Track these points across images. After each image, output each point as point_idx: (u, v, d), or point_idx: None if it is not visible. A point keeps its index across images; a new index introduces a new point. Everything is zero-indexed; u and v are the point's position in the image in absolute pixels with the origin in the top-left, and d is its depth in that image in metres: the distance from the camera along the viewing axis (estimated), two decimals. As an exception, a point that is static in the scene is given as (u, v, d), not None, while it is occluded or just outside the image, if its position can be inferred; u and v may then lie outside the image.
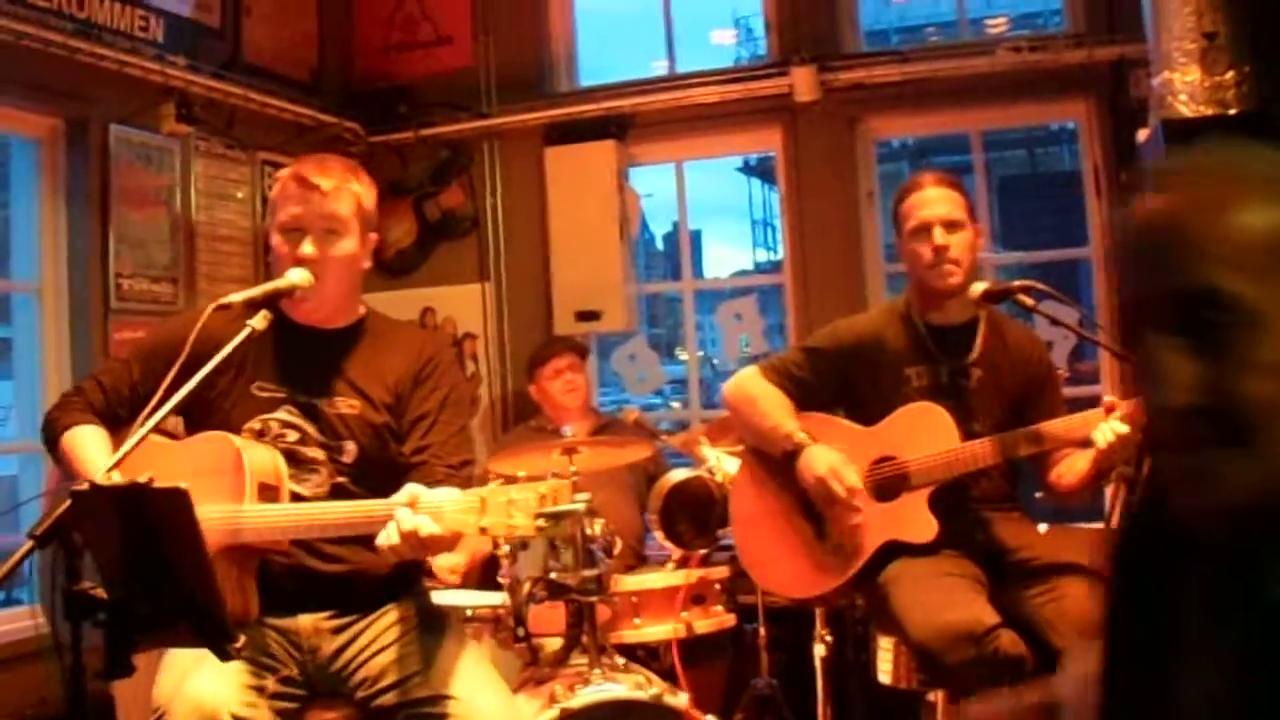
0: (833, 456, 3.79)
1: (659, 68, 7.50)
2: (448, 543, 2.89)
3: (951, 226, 3.84)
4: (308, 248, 3.23)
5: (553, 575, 4.12)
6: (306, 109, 6.94)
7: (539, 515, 2.75)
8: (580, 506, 2.87)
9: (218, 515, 2.87)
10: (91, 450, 3.19)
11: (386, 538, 2.83)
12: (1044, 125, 18.06)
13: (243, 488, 2.98)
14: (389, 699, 3.16)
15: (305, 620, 3.25)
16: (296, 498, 3.16)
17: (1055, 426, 3.69)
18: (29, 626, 5.08)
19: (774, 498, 4.01)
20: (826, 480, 3.74)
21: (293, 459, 3.21)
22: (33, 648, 4.89)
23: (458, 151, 7.33)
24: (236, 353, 2.94)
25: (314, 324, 3.38)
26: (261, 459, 3.08)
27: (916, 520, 3.76)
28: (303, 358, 3.35)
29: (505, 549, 4.07)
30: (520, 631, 4.20)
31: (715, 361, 11.61)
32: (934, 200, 3.88)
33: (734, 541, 4.19)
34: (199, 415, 3.20)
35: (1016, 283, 3.73)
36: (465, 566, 3.74)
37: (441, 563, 4.97)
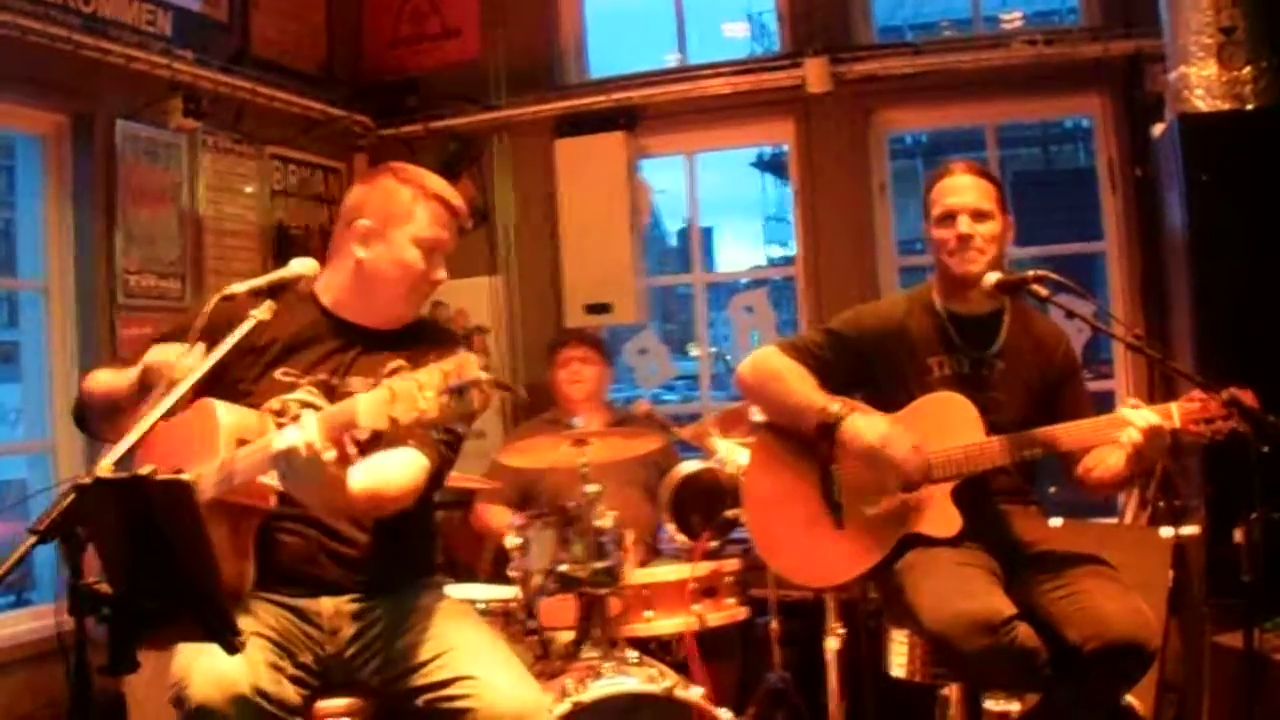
0: (881, 421, 3.74)
1: (670, 61, 7.49)
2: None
3: (979, 216, 3.80)
4: (442, 273, 3.40)
5: (563, 568, 4.11)
6: (315, 102, 6.93)
7: (443, 392, 2.65)
8: (483, 376, 2.77)
9: (206, 471, 2.84)
10: (107, 375, 3.22)
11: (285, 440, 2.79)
12: (1059, 123, 18.04)
13: (219, 448, 2.94)
14: (408, 683, 3.15)
15: (327, 603, 3.25)
16: None
17: (1069, 431, 3.64)
18: (43, 626, 5.06)
19: (789, 483, 3.95)
20: (880, 448, 3.68)
21: None
22: (48, 647, 4.88)
23: (467, 144, 7.31)
24: (259, 339, 2.94)
25: (360, 322, 3.41)
26: (239, 415, 3.03)
27: (940, 514, 3.72)
28: (331, 345, 3.37)
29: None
30: (531, 624, 4.19)
31: (729, 357, 11.60)
32: (963, 188, 3.85)
33: (748, 527, 4.15)
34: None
35: (1030, 272, 3.68)
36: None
37: None
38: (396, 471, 3.17)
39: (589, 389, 5.90)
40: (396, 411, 2.67)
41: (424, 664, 3.15)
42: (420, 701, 3.12)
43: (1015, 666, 3.36)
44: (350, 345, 3.37)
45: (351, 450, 2.92)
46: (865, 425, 3.73)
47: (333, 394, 3.26)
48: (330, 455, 2.81)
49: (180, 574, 2.37)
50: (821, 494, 3.90)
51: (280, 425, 3.10)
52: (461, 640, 3.20)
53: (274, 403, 3.23)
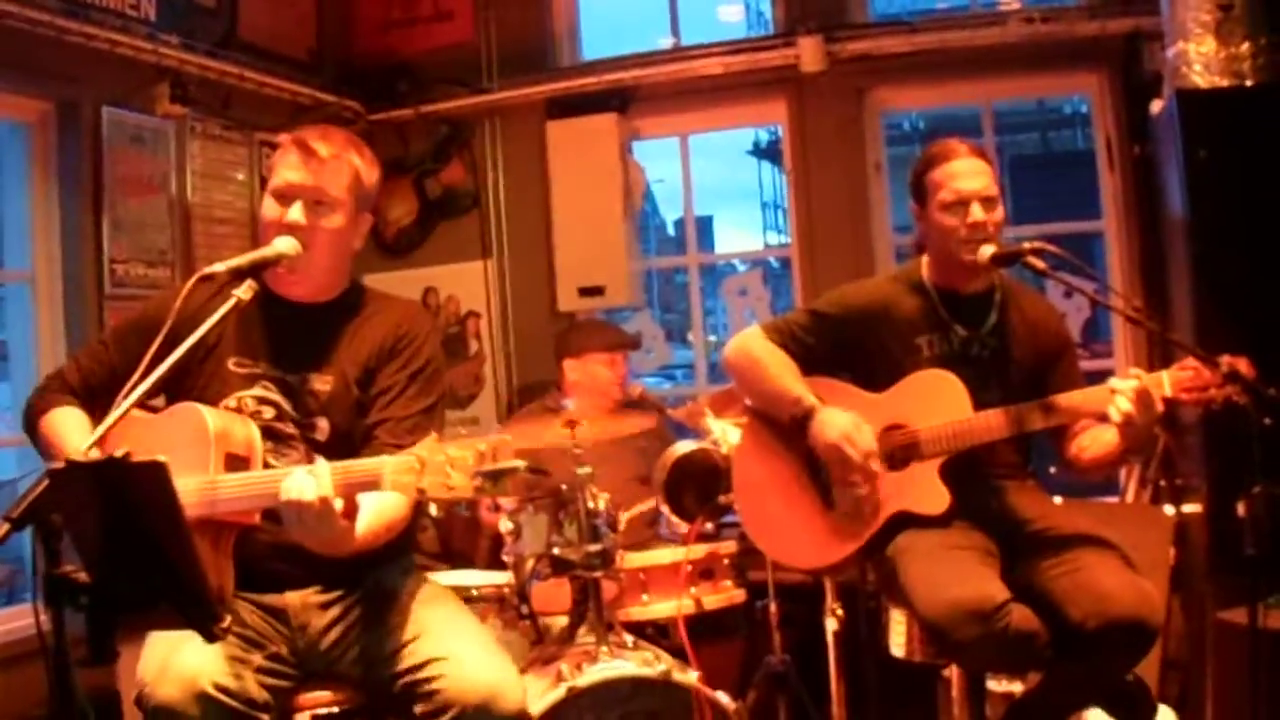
0: (846, 419, 3.67)
1: (664, 43, 7.44)
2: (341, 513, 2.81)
3: (989, 203, 3.72)
4: (294, 213, 3.18)
5: (556, 551, 4.06)
6: (305, 88, 6.88)
7: (477, 474, 2.61)
8: (520, 464, 2.71)
9: (193, 486, 2.79)
10: (70, 432, 3.18)
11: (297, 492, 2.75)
12: (1058, 107, 18.03)
13: (209, 459, 2.90)
14: (385, 671, 3.12)
15: (292, 597, 3.21)
16: None
17: (1071, 399, 3.59)
18: (32, 625, 5.01)
19: (779, 465, 3.90)
20: (840, 445, 3.63)
21: (270, 435, 3.16)
22: (37, 646, 4.84)
23: (458, 128, 7.31)
24: (214, 328, 2.87)
25: (296, 298, 3.33)
26: (230, 429, 3.01)
27: (928, 491, 3.66)
28: (281, 332, 3.30)
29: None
30: (524, 609, 4.15)
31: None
32: (971, 173, 3.75)
33: (738, 511, 4.11)
34: (177, 393, 3.16)
35: (1026, 245, 3.62)
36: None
37: None
38: (393, 509, 3.11)
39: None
40: (425, 484, 2.63)
41: (397, 650, 3.11)
42: (396, 687, 3.09)
43: (1011, 652, 3.32)
44: (286, 321, 3.31)
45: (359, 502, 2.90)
46: (831, 420, 3.68)
47: (291, 391, 3.24)
48: (339, 507, 2.79)
49: (158, 560, 2.33)
50: (810, 475, 3.84)
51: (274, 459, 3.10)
52: (432, 622, 3.17)
53: (230, 400, 3.20)
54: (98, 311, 5.57)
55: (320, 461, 2.82)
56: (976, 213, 3.69)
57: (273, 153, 6.40)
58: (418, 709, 3.04)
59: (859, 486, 3.70)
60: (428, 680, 3.02)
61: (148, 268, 5.84)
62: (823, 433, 3.68)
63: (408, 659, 3.08)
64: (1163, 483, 5.51)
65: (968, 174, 3.74)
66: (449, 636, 3.12)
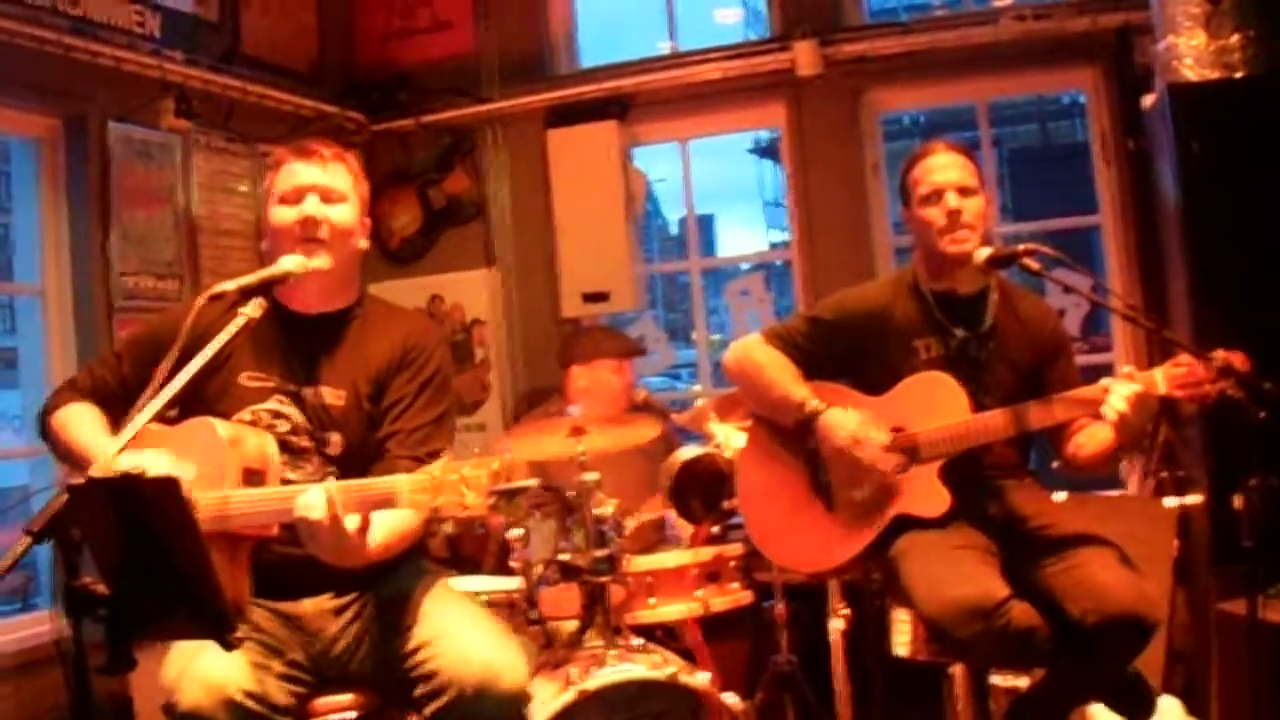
0: (853, 420, 3.73)
1: (662, 49, 7.47)
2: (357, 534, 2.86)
3: (965, 192, 3.77)
4: (310, 206, 3.24)
5: (564, 557, 4.10)
6: (307, 100, 6.92)
7: (491, 493, 2.69)
8: (534, 483, 2.78)
9: (205, 500, 2.83)
10: (82, 426, 3.24)
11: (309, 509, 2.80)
12: (1056, 99, 17.98)
13: (224, 473, 2.94)
14: (388, 660, 3.17)
15: (308, 604, 3.25)
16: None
17: (1067, 398, 3.60)
18: (47, 631, 5.05)
19: (782, 470, 3.95)
20: (849, 448, 3.70)
21: (285, 448, 3.20)
22: (50, 653, 4.88)
23: (460, 137, 7.33)
24: (227, 343, 2.91)
25: (306, 309, 3.37)
26: (246, 443, 3.05)
27: (928, 494, 3.69)
28: (292, 345, 3.34)
29: (506, 531, 4.06)
30: (533, 614, 4.18)
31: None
32: (946, 165, 3.82)
33: (743, 516, 4.15)
34: (191, 407, 3.17)
35: (1021, 246, 3.65)
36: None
37: None
38: (406, 523, 3.14)
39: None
40: (440, 502, 2.69)
41: (400, 637, 3.16)
42: (400, 674, 3.13)
43: (1013, 647, 3.36)
44: (296, 334, 3.35)
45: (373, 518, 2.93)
46: (839, 422, 3.74)
47: (304, 404, 3.28)
48: (354, 524, 2.83)
49: (174, 572, 2.38)
50: (811, 478, 3.90)
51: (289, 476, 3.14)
52: (432, 607, 3.23)
53: (244, 414, 3.23)
54: (107, 324, 5.60)
55: (331, 480, 2.87)
56: (951, 201, 3.76)
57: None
58: (418, 691, 3.09)
59: (863, 488, 3.75)
60: (426, 660, 3.08)
61: (156, 280, 5.88)
62: (831, 435, 3.74)
63: (408, 643, 3.14)
64: (1165, 475, 5.54)
65: (943, 167, 3.83)
66: (447, 617, 3.18)
